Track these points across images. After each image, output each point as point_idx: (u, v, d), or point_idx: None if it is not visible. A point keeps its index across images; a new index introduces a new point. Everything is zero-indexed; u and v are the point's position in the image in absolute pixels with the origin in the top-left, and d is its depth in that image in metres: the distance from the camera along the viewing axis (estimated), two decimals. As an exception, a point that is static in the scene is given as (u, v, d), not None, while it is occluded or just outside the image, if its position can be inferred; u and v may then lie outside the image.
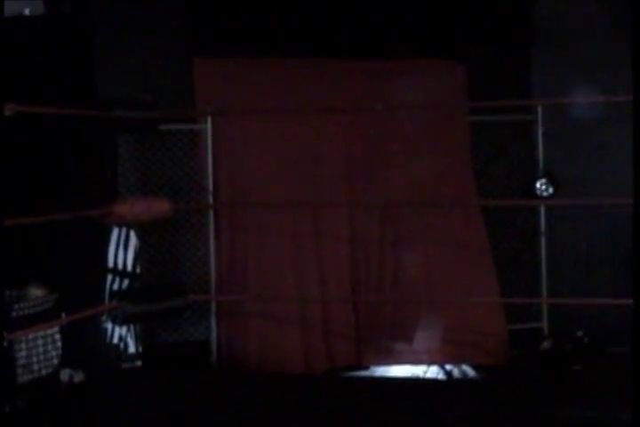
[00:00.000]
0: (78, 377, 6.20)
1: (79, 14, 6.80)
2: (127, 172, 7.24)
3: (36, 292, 6.00)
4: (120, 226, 6.80)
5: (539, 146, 7.66)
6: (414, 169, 7.59)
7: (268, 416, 5.49)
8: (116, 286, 6.77)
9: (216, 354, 7.21)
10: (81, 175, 6.69)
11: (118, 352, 6.80)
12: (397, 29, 7.62)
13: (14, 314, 5.69)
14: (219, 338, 7.23)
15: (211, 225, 7.30)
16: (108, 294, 6.68)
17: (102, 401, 5.81)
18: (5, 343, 5.31)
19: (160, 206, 6.66)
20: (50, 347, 5.94)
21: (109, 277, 6.77)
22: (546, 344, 7.47)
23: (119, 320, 6.31)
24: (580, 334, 7.46)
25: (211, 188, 7.29)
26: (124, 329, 6.78)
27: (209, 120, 7.29)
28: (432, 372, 7.26)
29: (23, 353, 5.74)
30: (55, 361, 5.98)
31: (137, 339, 6.87)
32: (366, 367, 7.33)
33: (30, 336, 5.77)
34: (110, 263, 6.81)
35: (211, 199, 7.32)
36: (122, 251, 6.84)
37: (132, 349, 6.84)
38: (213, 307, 7.23)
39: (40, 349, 5.87)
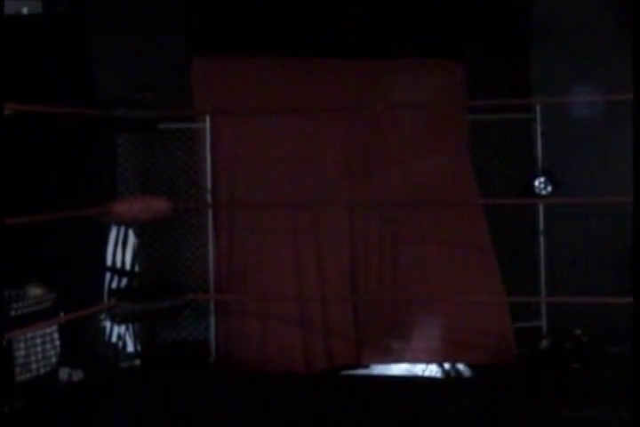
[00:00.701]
0: (77, 376, 6.21)
1: (77, 13, 6.80)
2: (126, 171, 7.23)
3: (34, 291, 6.01)
4: (119, 225, 6.81)
5: (537, 145, 7.66)
6: (414, 168, 7.59)
7: (267, 415, 5.49)
8: (114, 285, 6.77)
9: (215, 353, 7.21)
10: (80, 174, 6.70)
11: (117, 351, 6.80)
12: (396, 29, 7.62)
13: (13, 313, 5.70)
14: (217, 337, 7.23)
15: (209, 224, 7.30)
16: (107, 292, 6.69)
17: (101, 400, 5.81)
18: (4, 342, 5.31)
19: (159, 205, 6.66)
20: (48, 346, 5.94)
21: (108, 276, 6.78)
22: (545, 343, 7.47)
23: (118, 319, 6.31)
24: (578, 332, 7.45)
25: (209, 187, 7.29)
26: (123, 328, 6.78)
27: (207, 119, 7.29)
28: (431, 370, 7.26)
29: (22, 352, 5.74)
30: (54, 360, 5.99)
31: (135, 338, 6.87)
32: (366, 366, 7.33)
33: (29, 335, 5.77)
34: (109, 262, 6.82)
35: (209, 198, 7.32)
36: (120, 250, 6.84)
37: (130, 348, 6.85)
38: (212, 306, 7.22)
39: (39, 348, 5.87)
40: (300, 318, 7.30)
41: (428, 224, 7.50)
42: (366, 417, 5.42)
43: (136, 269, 6.90)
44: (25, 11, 6.64)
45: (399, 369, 7.26)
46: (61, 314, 6.06)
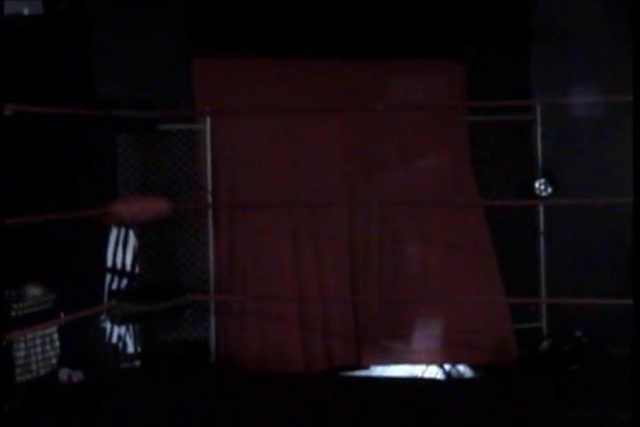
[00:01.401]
0: (77, 377, 6.21)
1: (78, 14, 6.80)
2: (126, 171, 7.24)
3: (34, 292, 6.01)
4: (119, 226, 6.80)
5: (538, 146, 7.65)
6: (413, 169, 7.59)
7: (266, 416, 5.49)
8: (114, 286, 6.76)
9: (215, 354, 7.21)
10: (80, 175, 6.69)
11: (117, 352, 6.79)
12: (396, 29, 7.62)
13: (13, 314, 5.70)
14: (217, 338, 7.23)
15: (209, 225, 7.30)
16: (107, 293, 6.68)
17: (101, 401, 5.81)
18: (4, 343, 5.31)
19: (159, 206, 6.67)
20: (48, 347, 5.94)
21: (108, 277, 6.77)
22: (545, 344, 7.47)
23: (118, 320, 6.32)
24: (578, 334, 7.45)
25: (209, 187, 7.29)
26: (123, 329, 6.78)
27: (208, 120, 7.30)
28: (431, 372, 7.25)
29: (22, 353, 5.74)
30: (54, 361, 5.99)
31: (136, 339, 6.86)
32: (365, 367, 7.33)
33: (29, 336, 5.77)
34: (109, 263, 6.81)
35: (209, 199, 7.32)
36: (121, 251, 6.83)
37: (130, 348, 6.84)
38: (212, 307, 7.23)
39: (39, 348, 5.87)
40: (300, 319, 7.30)
41: (427, 225, 7.50)
42: (366, 418, 5.42)
43: (136, 269, 6.89)
44: (25, 11, 6.63)
45: (399, 370, 7.26)
46: (62, 315, 6.06)
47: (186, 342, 7.29)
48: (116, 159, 7.17)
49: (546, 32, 7.94)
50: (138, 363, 6.90)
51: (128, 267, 6.85)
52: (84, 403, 5.78)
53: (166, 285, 7.01)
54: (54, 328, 6.00)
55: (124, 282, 6.85)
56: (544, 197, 7.42)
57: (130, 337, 6.82)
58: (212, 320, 7.23)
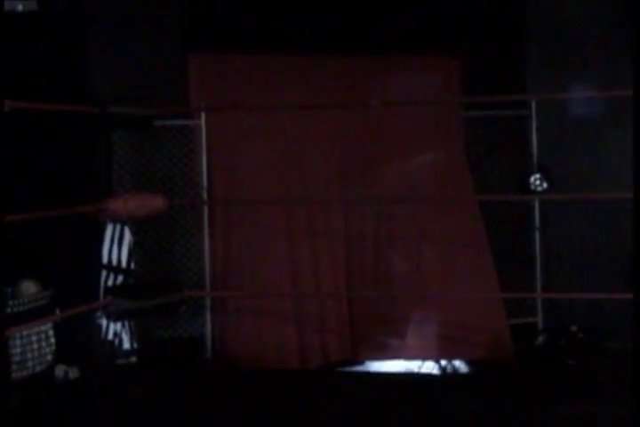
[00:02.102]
0: (73, 373, 6.21)
1: (72, 11, 6.78)
2: (121, 168, 7.23)
3: (30, 288, 6.00)
4: (114, 222, 6.80)
5: (533, 141, 7.66)
6: (409, 165, 7.59)
7: (263, 412, 5.49)
8: (110, 283, 6.76)
9: (211, 350, 7.21)
10: (75, 171, 6.68)
11: (113, 348, 6.79)
12: (391, 26, 7.62)
13: (9, 311, 5.69)
14: (213, 334, 7.23)
15: (205, 221, 7.30)
16: (103, 290, 6.68)
17: (97, 397, 5.81)
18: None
19: (154, 202, 6.65)
20: (44, 343, 5.93)
21: (104, 274, 6.77)
22: (540, 339, 7.48)
23: (114, 316, 6.31)
24: (574, 328, 7.47)
25: (205, 184, 7.29)
26: (119, 325, 6.77)
27: (203, 116, 7.29)
28: (427, 367, 7.26)
29: (17, 350, 5.73)
30: (49, 358, 5.98)
31: (132, 335, 6.86)
32: (361, 362, 7.34)
33: (24, 333, 5.76)
34: (105, 259, 6.80)
35: (205, 195, 7.32)
36: (116, 247, 6.83)
37: (126, 345, 6.84)
38: (208, 303, 7.23)
39: (34, 345, 5.87)
40: (296, 315, 7.31)
41: (423, 221, 7.51)
42: (362, 414, 5.42)
43: (132, 266, 6.89)
44: (20, 8, 6.61)
45: (395, 366, 7.27)
46: (57, 311, 6.06)
47: (182, 338, 7.29)
48: (111, 156, 7.16)
49: (541, 28, 7.94)
50: (134, 359, 6.89)
51: (123, 263, 6.85)
52: (80, 400, 5.78)
53: (162, 281, 7.00)
54: (50, 325, 5.99)
55: (120, 278, 6.84)
56: (539, 193, 7.43)
57: (126, 333, 6.82)
58: (208, 317, 7.23)
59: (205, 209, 7.31)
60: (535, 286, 7.66)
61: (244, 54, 7.41)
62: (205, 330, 7.25)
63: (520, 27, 8.01)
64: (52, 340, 5.99)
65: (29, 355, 5.83)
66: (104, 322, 6.69)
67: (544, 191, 7.41)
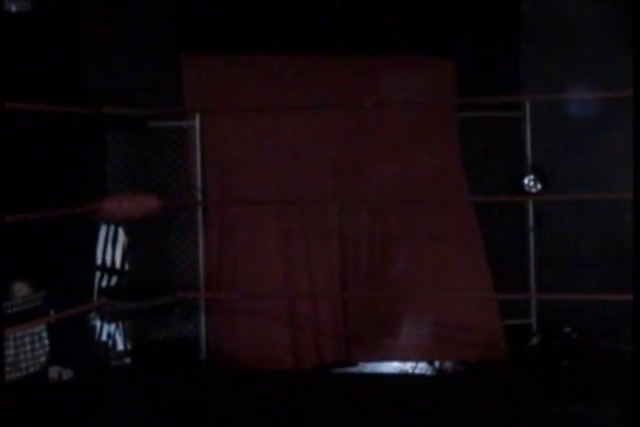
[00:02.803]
0: (67, 375, 6.21)
1: (66, 11, 6.78)
2: (116, 169, 7.22)
3: (23, 290, 5.99)
4: (108, 223, 6.80)
5: (527, 142, 7.66)
6: (403, 166, 7.59)
7: (256, 412, 5.50)
8: (104, 284, 6.77)
9: (205, 351, 7.21)
10: (69, 172, 6.68)
11: (107, 350, 6.79)
12: (386, 26, 7.62)
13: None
14: (207, 335, 7.23)
15: (199, 222, 7.29)
16: (97, 291, 6.68)
17: (91, 399, 5.81)
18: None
19: (149, 204, 6.66)
20: (37, 345, 5.93)
21: (98, 275, 6.77)
22: (534, 340, 7.49)
23: (108, 317, 6.32)
24: (568, 329, 7.47)
25: (199, 185, 7.28)
26: (113, 326, 6.78)
27: (197, 117, 7.29)
28: (420, 368, 7.26)
29: (11, 351, 5.73)
30: (43, 359, 5.97)
31: (126, 336, 6.86)
32: (355, 364, 7.33)
33: (18, 334, 5.76)
34: (99, 261, 6.81)
35: (199, 196, 7.31)
36: (110, 248, 6.83)
37: (120, 346, 6.84)
38: (202, 304, 7.22)
39: (28, 347, 5.86)
40: (290, 316, 7.30)
41: (417, 222, 7.50)
42: (356, 415, 5.43)
43: (126, 267, 6.89)
44: (13, 8, 6.60)
45: (389, 367, 7.27)
46: (51, 313, 6.05)
47: (176, 339, 7.28)
48: (105, 156, 7.15)
49: (534, 28, 7.96)
50: (128, 360, 6.90)
51: (118, 264, 6.85)
52: (74, 401, 5.78)
53: (156, 282, 7.01)
54: (43, 326, 5.98)
55: (114, 279, 6.85)
56: (533, 194, 7.44)
57: (120, 335, 6.82)
58: (202, 317, 7.23)
59: (199, 210, 7.31)
60: (529, 287, 7.66)
61: (239, 55, 7.41)
62: (200, 331, 7.24)
63: (515, 28, 8.02)
64: (46, 341, 5.99)
65: (23, 356, 5.82)
66: (98, 323, 6.70)
67: (538, 192, 7.42)
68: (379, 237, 7.54)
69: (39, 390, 5.90)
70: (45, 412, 5.48)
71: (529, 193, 7.44)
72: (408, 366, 7.27)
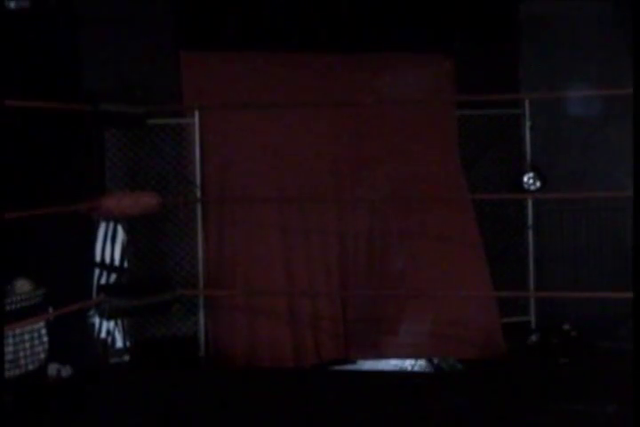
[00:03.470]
0: (66, 372, 6.20)
1: (65, 8, 6.77)
2: (114, 166, 7.22)
3: (22, 287, 5.99)
4: (107, 220, 6.80)
5: (526, 140, 7.67)
6: (402, 163, 7.59)
7: (256, 410, 5.49)
8: (103, 281, 6.76)
9: (204, 348, 7.21)
10: (68, 170, 6.68)
11: (106, 347, 6.79)
12: (385, 24, 7.62)
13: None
14: (207, 332, 7.23)
15: (198, 219, 7.29)
16: (96, 288, 6.68)
17: (90, 396, 5.81)
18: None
19: (147, 201, 6.65)
20: (37, 342, 5.93)
21: (97, 272, 6.77)
22: (533, 338, 7.50)
23: (107, 315, 6.31)
24: (567, 327, 7.48)
25: (198, 182, 7.28)
26: (112, 324, 6.78)
27: (196, 114, 7.29)
28: (420, 365, 7.27)
29: (10, 348, 5.73)
30: (42, 356, 5.97)
31: (124, 333, 6.86)
32: (354, 361, 7.34)
33: (17, 331, 5.76)
34: (98, 258, 6.80)
35: (198, 193, 7.31)
36: (109, 245, 6.83)
37: (119, 343, 6.84)
38: (201, 301, 7.22)
39: (27, 344, 5.86)
40: (289, 314, 7.30)
41: (416, 219, 7.51)
42: (355, 412, 5.43)
43: (125, 264, 6.89)
44: (12, 5, 6.60)
45: (388, 364, 7.27)
46: (50, 310, 6.05)
47: (175, 336, 7.28)
48: (104, 154, 7.15)
49: (535, 27, 7.95)
50: (127, 358, 6.90)
51: (117, 262, 6.85)
52: (72, 398, 5.77)
53: (155, 279, 7.00)
54: (42, 323, 5.98)
55: (113, 277, 6.84)
56: (532, 191, 7.44)
57: (119, 332, 6.82)
58: (202, 315, 7.23)
59: (199, 207, 7.31)
60: (528, 285, 7.67)
61: (238, 52, 7.40)
62: (199, 328, 7.24)
63: (514, 26, 8.02)
64: (45, 338, 5.99)
65: (22, 353, 5.82)
66: (97, 320, 6.69)
67: (537, 190, 7.42)
68: (378, 235, 7.54)
69: (38, 387, 5.90)
70: (44, 409, 5.48)
71: (528, 191, 7.45)
72: (407, 364, 7.28)
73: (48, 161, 6.55)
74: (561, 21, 7.85)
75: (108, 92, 6.63)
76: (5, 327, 5.47)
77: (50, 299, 6.08)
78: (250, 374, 6.57)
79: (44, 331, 5.98)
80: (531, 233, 7.73)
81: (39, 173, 6.48)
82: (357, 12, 7.60)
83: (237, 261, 7.30)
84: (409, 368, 7.25)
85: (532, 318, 7.66)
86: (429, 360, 7.25)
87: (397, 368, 7.23)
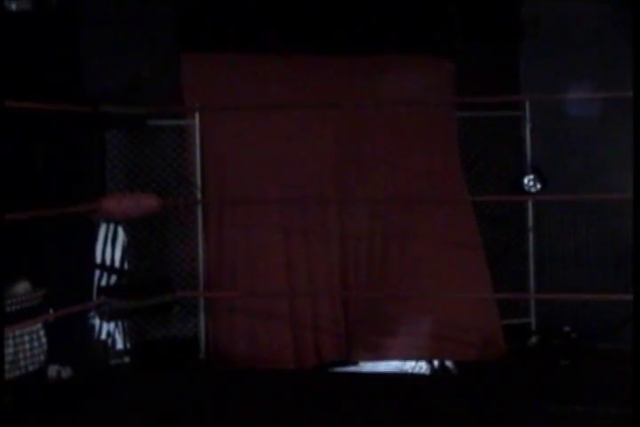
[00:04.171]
0: (66, 373, 6.20)
1: (66, 10, 6.78)
2: (115, 167, 7.22)
3: (23, 288, 5.99)
4: (108, 222, 6.80)
5: (526, 142, 7.67)
6: (403, 165, 7.59)
7: (256, 412, 5.49)
8: (103, 282, 6.76)
9: (204, 350, 7.20)
10: (69, 171, 6.68)
11: (106, 348, 6.79)
12: (386, 26, 7.62)
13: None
14: (207, 334, 7.23)
15: (199, 221, 7.29)
16: (96, 290, 6.68)
17: (90, 397, 5.81)
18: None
19: (148, 202, 6.65)
20: (36, 343, 5.92)
21: (97, 274, 6.77)
22: (533, 340, 7.50)
23: (107, 316, 6.31)
24: (567, 329, 7.48)
25: (199, 183, 7.28)
26: (112, 325, 6.78)
27: (197, 116, 7.29)
28: (420, 367, 7.27)
29: (10, 349, 5.73)
30: (42, 357, 5.97)
31: (125, 335, 6.86)
32: (355, 363, 7.34)
33: (17, 332, 5.75)
34: (98, 259, 6.80)
35: (199, 195, 7.31)
36: (110, 247, 6.83)
37: (119, 345, 6.84)
38: (201, 303, 7.22)
39: (27, 345, 5.86)
40: (290, 315, 7.30)
41: (417, 221, 7.51)
42: (355, 414, 5.43)
43: (125, 266, 6.89)
44: (13, 7, 6.60)
45: (388, 366, 7.27)
46: (50, 311, 6.05)
47: (175, 338, 7.28)
48: (104, 155, 7.15)
49: (536, 29, 7.96)
50: (127, 359, 6.89)
51: (117, 263, 6.85)
52: (73, 400, 5.77)
53: (155, 281, 7.00)
54: (40, 325, 5.98)
55: (113, 278, 6.84)
56: (533, 193, 7.44)
57: (119, 333, 6.82)
58: (202, 317, 7.22)
59: (199, 209, 7.31)
60: (528, 287, 7.67)
61: (238, 54, 7.41)
62: (199, 330, 7.24)
63: (514, 27, 8.02)
64: (43, 340, 5.98)
65: (22, 355, 5.82)
66: (97, 322, 6.69)
67: (537, 192, 7.42)
68: (378, 236, 7.54)
69: (38, 388, 5.90)
70: (44, 410, 5.48)
71: (528, 193, 7.45)
72: (407, 366, 7.27)
73: (48, 162, 6.55)
74: (561, 22, 7.85)
75: (109, 93, 6.64)
76: (6, 329, 5.47)
77: (50, 300, 6.08)
78: (250, 376, 6.56)
79: (42, 332, 5.98)
80: (531, 235, 7.73)
81: (40, 174, 6.48)
82: (358, 14, 7.60)
83: (238, 262, 7.30)
84: (409, 370, 7.25)
85: (533, 320, 7.66)
86: (429, 362, 7.25)
87: (398, 370, 7.23)
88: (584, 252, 7.84)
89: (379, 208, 7.52)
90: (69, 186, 6.61)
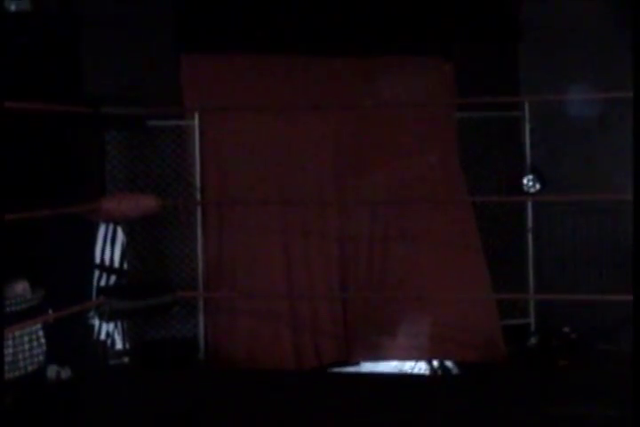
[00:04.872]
0: (65, 374, 6.20)
1: (66, 11, 6.78)
2: (115, 168, 7.23)
3: (22, 288, 5.99)
4: (107, 222, 6.79)
5: (526, 142, 7.67)
6: (402, 166, 7.59)
7: (256, 413, 5.49)
8: (103, 283, 6.75)
9: (204, 351, 7.21)
10: (68, 172, 6.68)
11: (105, 349, 6.79)
12: (385, 27, 7.63)
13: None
14: (206, 335, 7.23)
15: (198, 221, 7.30)
16: (95, 290, 6.67)
17: (89, 398, 5.80)
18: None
19: (147, 203, 6.65)
20: (35, 344, 5.92)
21: (96, 274, 6.76)
22: (533, 340, 7.49)
23: (106, 317, 6.30)
24: (567, 330, 7.48)
25: (198, 184, 7.28)
26: (112, 326, 6.77)
27: (196, 116, 7.29)
28: (420, 368, 7.27)
29: (9, 350, 5.72)
30: (41, 358, 5.97)
31: (124, 335, 6.86)
32: (355, 363, 7.34)
33: (16, 333, 5.75)
34: (97, 260, 6.79)
35: (198, 196, 7.31)
36: (109, 247, 6.82)
37: (119, 345, 6.83)
38: (201, 303, 7.22)
39: (26, 346, 5.86)
40: (289, 316, 7.30)
41: (416, 222, 7.51)
42: (355, 415, 5.42)
43: (125, 266, 6.88)
44: (12, 8, 6.60)
45: (388, 367, 7.27)
46: (50, 311, 6.05)
47: (175, 339, 7.28)
48: (104, 156, 7.15)
49: (533, 29, 7.96)
50: (126, 360, 6.89)
51: (116, 264, 6.84)
52: (72, 400, 5.77)
53: (154, 282, 7.01)
54: (39, 325, 5.98)
55: (113, 279, 6.84)
56: (532, 194, 7.44)
57: (118, 334, 6.81)
58: (201, 317, 7.23)
59: (198, 209, 7.31)
60: (528, 288, 7.67)
61: (238, 55, 7.41)
62: (198, 331, 7.24)
63: (514, 28, 8.02)
64: (42, 340, 5.98)
65: (21, 355, 5.82)
66: (96, 322, 6.68)
67: (537, 193, 7.43)
68: (378, 237, 7.54)
69: (37, 388, 5.89)
70: (43, 411, 5.47)
71: (528, 193, 7.45)
72: (407, 366, 7.27)
73: (48, 163, 6.55)
74: (561, 22, 7.85)
75: (109, 93, 6.64)
76: (5, 329, 5.47)
77: (49, 301, 6.07)
78: (250, 377, 6.55)
79: (41, 333, 5.98)
80: (530, 235, 7.73)
81: (39, 174, 6.48)
82: (357, 15, 7.60)
83: (237, 263, 7.30)
84: (408, 371, 7.25)
85: (532, 321, 7.66)
86: (429, 363, 7.25)
87: (397, 371, 7.23)
88: (584, 252, 7.84)
89: (378, 209, 7.52)
90: (69, 186, 6.61)
